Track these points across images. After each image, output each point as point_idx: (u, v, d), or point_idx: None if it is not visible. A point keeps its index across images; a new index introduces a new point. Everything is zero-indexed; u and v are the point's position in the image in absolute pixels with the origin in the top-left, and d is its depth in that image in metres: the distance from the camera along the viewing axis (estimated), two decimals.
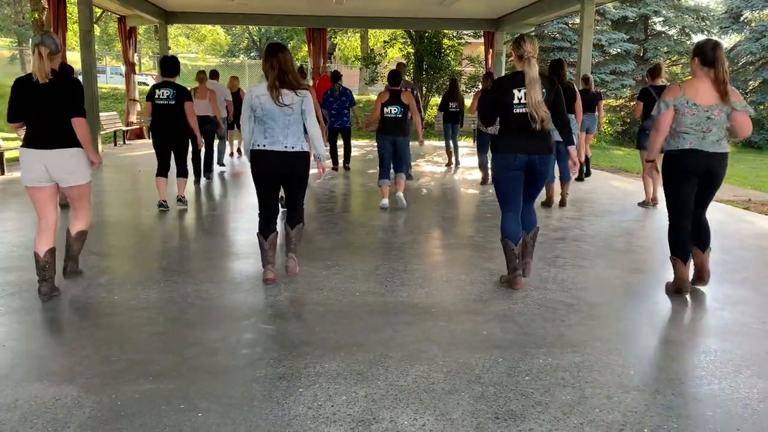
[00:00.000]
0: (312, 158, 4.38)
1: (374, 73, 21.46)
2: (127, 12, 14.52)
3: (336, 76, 10.35)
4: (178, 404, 2.66)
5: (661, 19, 23.73)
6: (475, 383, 2.87)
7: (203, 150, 8.76)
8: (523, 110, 4.02)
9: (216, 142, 10.42)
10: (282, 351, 3.20)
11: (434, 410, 2.63)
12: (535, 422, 2.55)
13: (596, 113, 9.64)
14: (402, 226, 6.24)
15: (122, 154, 12.88)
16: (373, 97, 21.48)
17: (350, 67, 32.70)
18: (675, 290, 4.18)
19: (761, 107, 21.46)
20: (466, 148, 15.02)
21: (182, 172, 7.02)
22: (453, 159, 11.56)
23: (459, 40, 21.92)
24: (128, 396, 2.72)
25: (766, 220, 6.88)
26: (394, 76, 7.12)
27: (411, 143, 7.57)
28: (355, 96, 11.20)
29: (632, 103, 22.03)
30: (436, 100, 20.60)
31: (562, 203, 7.37)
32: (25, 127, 4.02)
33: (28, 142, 3.93)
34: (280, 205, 4.58)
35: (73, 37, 21.48)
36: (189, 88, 7.22)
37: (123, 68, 17.36)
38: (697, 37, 24.34)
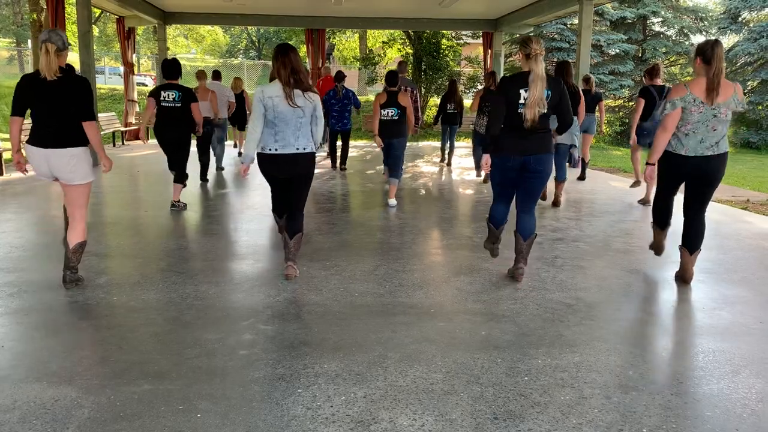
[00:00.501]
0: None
1: (373, 73, 21.47)
2: (125, 13, 14.51)
3: (339, 76, 10.32)
4: (177, 405, 2.66)
5: (659, 19, 23.76)
6: (474, 384, 2.88)
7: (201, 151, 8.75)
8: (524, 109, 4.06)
9: (216, 146, 10.39)
10: (281, 352, 3.21)
11: (433, 411, 2.63)
12: (534, 422, 2.55)
13: (596, 114, 9.65)
14: (401, 227, 6.24)
15: (121, 155, 12.87)
16: (372, 97, 21.50)
17: (349, 68, 32.72)
18: (654, 249, 4.80)
19: (759, 107, 21.48)
20: (465, 148, 15.04)
21: (179, 178, 6.96)
22: (447, 160, 11.59)
23: (458, 41, 21.94)
24: (127, 397, 2.72)
25: (764, 220, 6.89)
26: (391, 77, 7.11)
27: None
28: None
29: (631, 104, 22.06)
30: (435, 100, 20.62)
31: (556, 203, 7.39)
32: (21, 125, 4.04)
33: (34, 140, 3.95)
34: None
35: (71, 37, 21.46)
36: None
37: (121, 69, 17.35)
38: (696, 38, 24.40)
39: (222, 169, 10.52)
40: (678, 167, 4.18)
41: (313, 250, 5.25)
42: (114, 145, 14.87)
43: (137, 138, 16.17)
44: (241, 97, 11.69)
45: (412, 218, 6.70)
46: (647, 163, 4.35)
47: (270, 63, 4.89)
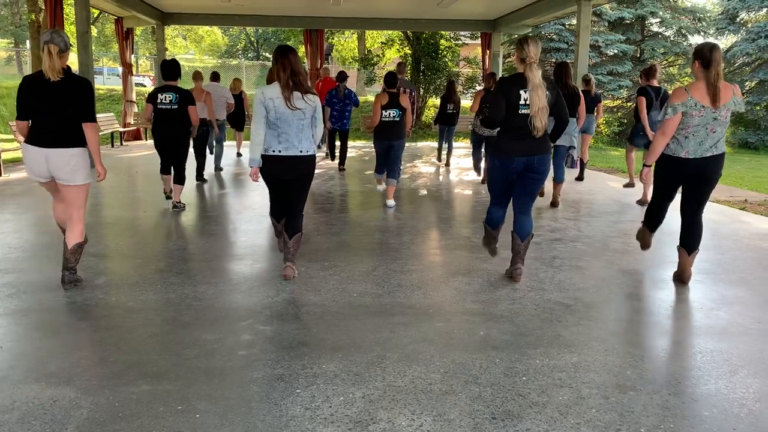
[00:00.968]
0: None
1: (372, 74, 21.47)
2: (124, 13, 14.51)
3: (342, 76, 10.32)
4: (176, 405, 2.66)
5: (657, 20, 23.79)
6: (473, 384, 2.88)
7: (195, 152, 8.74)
8: (527, 111, 4.06)
9: (214, 146, 10.38)
10: (279, 352, 3.21)
11: (431, 411, 2.64)
12: (532, 422, 2.55)
13: (594, 114, 9.67)
14: (399, 227, 6.24)
15: (119, 156, 12.87)
16: (371, 98, 21.48)
17: (348, 68, 32.71)
18: (638, 240, 4.88)
19: (757, 108, 21.51)
20: (464, 149, 15.04)
21: (180, 179, 7.01)
22: (444, 159, 11.60)
23: (456, 42, 21.94)
24: (126, 397, 2.72)
25: (762, 221, 6.90)
26: (391, 78, 7.10)
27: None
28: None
29: (629, 104, 22.08)
30: (434, 101, 20.62)
31: (554, 204, 7.42)
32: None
33: (32, 140, 3.94)
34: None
35: (70, 38, 21.44)
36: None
37: (120, 69, 17.33)
38: (694, 38, 24.43)
39: (221, 169, 10.51)
40: (679, 169, 4.17)
41: (311, 250, 5.25)
42: (112, 146, 14.86)
43: (136, 138, 16.16)
44: (239, 98, 11.68)
45: (411, 219, 6.71)
46: (644, 165, 4.36)
47: (269, 63, 4.87)
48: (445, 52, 20.48)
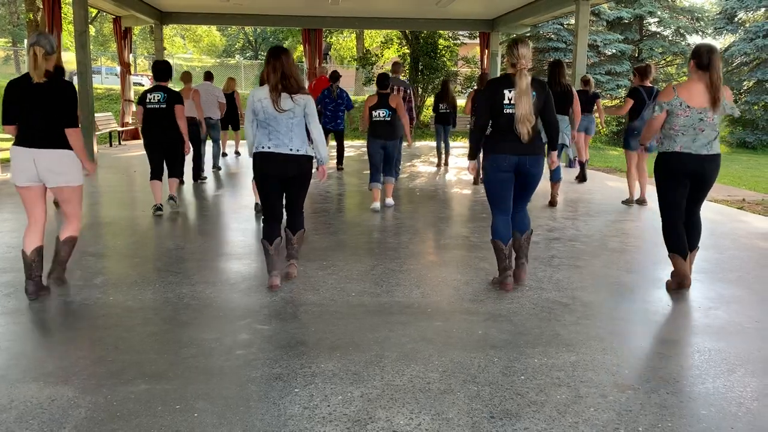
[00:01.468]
0: (314, 161, 4.35)
1: (370, 73, 21.47)
2: (122, 12, 14.49)
3: (335, 76, 10.32)
4: (174, 405, 2.66)
5: (655, 19, 23.83)
6: (471, 383, 2.88)
7: (191, 153, 8.69)
8: (512, 111, 4.03)
9: (210, 145, 10.36)
10: (278, 351, 3.21)
11: (430, 410, 2.64)
12: (530, 421, 2.56)
13: (595, 114, 9.68)
14: (397, 227, 6.25)
15: (117, 155, 12.86)
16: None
17: (346, 68, 32.69)
18: (677, 286, 4.23)
19: (755, 107, 21.54)
20: (462, 148, 15.05)
21: (175, 173, 7.03)
22: (443, 159, 11.60)
23: (454, 41, 21.95)
24: (124, 396, 2.72)
25: (760, 220, 6.91)
26: (383, 80, 7.10)
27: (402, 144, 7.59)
28: (351, 97, 11.18)
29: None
30: (432, 100, 20.62)
31: (553, 203, 7.42)
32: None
33: (20, 141, 3.93)
34: (284, 211, 4.45)
35: (68, 37, 21.41)
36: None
37: (118, 69, 17.32)
38: (692, 38, 24.46)
39: (219, 168, 10.51)
40: (677, 165, 4.12)
41: (309, 249, 5.25)
42: (111, 145, 14.85)
43: (134, 138, 16.15)
44: (231, 97, 11.65)
45: (409, 218, 6.71)
46: (640, 143, 4.41)
47: None
48: (443, 52, 20.49)
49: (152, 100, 6.70)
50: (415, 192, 8.52)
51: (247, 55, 43.22)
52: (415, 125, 18.64)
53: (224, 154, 12.50)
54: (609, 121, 20.96)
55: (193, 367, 3.02)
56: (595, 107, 10.01)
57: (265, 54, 4.27)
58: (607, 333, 3.51)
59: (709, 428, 2.53)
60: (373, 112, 6.92)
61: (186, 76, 9.20)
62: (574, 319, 3.72)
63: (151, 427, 2.48)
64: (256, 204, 6.88)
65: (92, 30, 27.96)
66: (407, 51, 20.81)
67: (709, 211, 7.23)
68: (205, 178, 9.22)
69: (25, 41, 22.29)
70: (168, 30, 32.58)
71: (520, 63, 3.98)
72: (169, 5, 14.64)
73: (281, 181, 4.22)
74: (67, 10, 17.49)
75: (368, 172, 7.30)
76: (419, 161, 12.43)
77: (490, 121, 4.16)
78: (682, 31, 23.87)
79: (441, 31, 20.15)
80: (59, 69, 4.02)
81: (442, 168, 11.34)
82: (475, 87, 9.15)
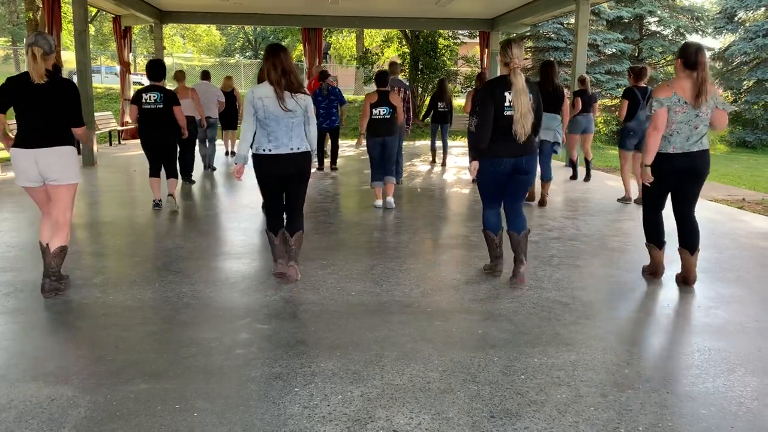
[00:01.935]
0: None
1: (370, 72, 21.47)
2: (122, 12, 14.48)
3: (323, 75, 10.32)
4: (174, 404, 2.66)
5: (655, 19, 23.80)
6: (471, 382, 2.88)
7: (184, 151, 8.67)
8: (512, 113, 4.09)
9: (205, 144, 10.32)
10: (277, 351, 3.21)
11: (430, 409, 2.63)
12: (530, 421, 2.55)
13: (592, 113, 9.68)
14: (397, 226, 6.24)
15: (117, 154, 12.86)
16: None
17: (346, 67, 32.66)
18: (651, 273, 4.55)
19: (755, 107, 21.53)
20: (461, 147, 15.04)
21: (172, 173, 7.02)
22: (438, 159, 11.61)
23: (454, 40, 21.94)
24: (124, 396, 2.72)
25: (760, 219, 6.91)
26: (382, 77, 7.11)
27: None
28: (350, 96, 11.16)
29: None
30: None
31: (542, 203, 7.43)
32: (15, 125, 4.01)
33: (21, 142, 3.92)
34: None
35: (67, 36, 21.39)
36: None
37: (118, 68, 17.31)
38: (692, 38, 24.43)
39: (214, 169, 10.47)
40: (669, 165, 4.19)
41: (309, 249, 5.24)
42: (110, 144, 14.85)
43: (134, 137, 16.13)
44: (231, 96, 11.63)
45: (409, 217, 6.71)
46: (643, 165, 4.33)
47: None
48: (443, 51, 20.49)
49: (149, 101, 6.68)
50: (415, 191, 8.51)
51: (247, 54, 43.21)
52: (413, 125, 18.66)
53: (232, 153, 12.52)
54: (609, 121, 20.98)
55: (193, 366, 3.02)
56: (592, 108, 10.00)
57: (264, 52, 4.27)
58: (607, 332, 3.51)
59: (709, 428, 2.53)
60: (374, 110, 6.91)
61: (180, 75, 9.15)
62: (574, 318, 3.72)
63: (151, 427, 2.48)
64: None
65: (92, 29, 27.94)
66: (407, 50, 20.81)
67: (709, 210, 7.23)
68: (194, 181, 9.05)
69: (25, 41, 22.29)
70: (168, 29, 32.57)
71: (513, 62, 4.05)
72: (169, 4, 14.62)
73: (283, 179, 4.29)
74: (67, 9, 17.49)
75: (368, 171, 7.29)
76: (419, 161, 12.43)
77: (494, 123, 4.16)
78: (682, 30, 23.84)
79: (441, 31, 20.15)
80: (56, 67, 4.01)
81: (441, 168, 11.33)
82: (475, 86, 9.14)
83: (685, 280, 4.38)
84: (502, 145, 4.14)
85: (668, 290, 4.30)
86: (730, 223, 6.60)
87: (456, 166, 11.45)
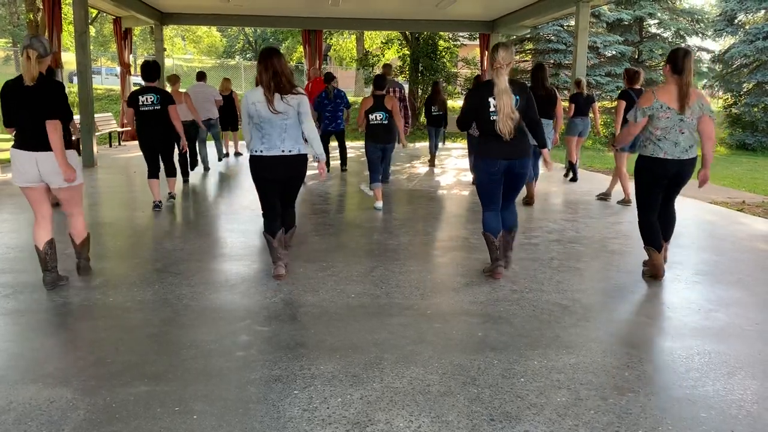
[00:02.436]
0: (311, 159, 4.40)
1: (370, 74, 21.48)
2: (122, 13, 14.49)
3: (329, 77, 10.33)
4: (173, 406, 2.65)
5: (655, 21, 23.82)
6: (471, 385, 2.88)
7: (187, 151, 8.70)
8: (497, 117, 4.19)
9: (205, 145, 10.32)
10: (277, 353, 3.20)
11: (429, 412, 2.63)
12: (530, 424, 2.55)
13: (590, 116, 9.68)
14: (397, 228, 6.24)
15: (117, 155, 12.86)
16: None
17: (346, 69, 32.68)
18: (651, 275, 4.58)
19: (755, 109, 21.53)
20: (460, 149, 15.04)
21: (171, 172, 7.17)
22: (437, 160, 11.63)
23: (455, 42, 21.95)
24: (123, 398, 2.71)
25: (760, 222, 6.90)
26: (379, 81, 7.12)
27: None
28: (351, 98, 11.19)
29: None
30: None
31: (529, 202, 7.54)
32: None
33: (20, 144, 3.93)
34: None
35: (68, 38, 21.42)
36: None
37: (118, 69, 17.32)
38: (692, 40, 24.45)
39: (208, 169, 10.42)
40: (661, 170, 4.33)
41: (309, 251, 5.24)
42: (110, 146, 14.85)
43: (134, 138, 16.13)
44: (230, 98, 11.63)
45: (409, 219, 6.71)
46: (613, 145, 4.61)
47: None
48: (443, 53, 20.50)
49: (146, 102, 6.70)
50: (415, 193, 8.51)
51: (248, 55, 43.21)
52: (413, 126, 18.66)
53: (226, 155, 12.49)
54: (609, 123, 20.98)
55: (193, 368, 3.01)
56: (591, 111, 10.00)
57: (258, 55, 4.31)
58: (607, 335, 3.51)
59: (709, 431, 2.52)
60: (370, 115, 6.93)
61: (173, 79, 9.14)
62: (574, 321, 3.72)
63: (150, 429, 2.47)
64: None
65: (92, 30, 27.98)
66: (407, 52, 20.81)
67: (708, 212, 7.23)
68: (187, 181, 9.09)
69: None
70: (168, 31, 32.58)
71: (497, 62, 4.13)
72: (170, 6, 14.63)
73: (278, 181, 4.32)
74: (68, 11, 17.48)
75: (368, 173, 7.30)
76: (419, 162, 12.42)
77: (479, 126, 4.36)
78: (682, 33, 23.86)
79: (441, 33, 20.16)
80: (50, 70, 4.02)
81: (439, 169, 11.33)
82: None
83: (655, 276, 4.53)
84: (495, 146, 4.25)
85: (668, 293, 4.30)
86: (730, 226, 6.59)
87: (456, 168, 11.45)
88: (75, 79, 11.87)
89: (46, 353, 3.19)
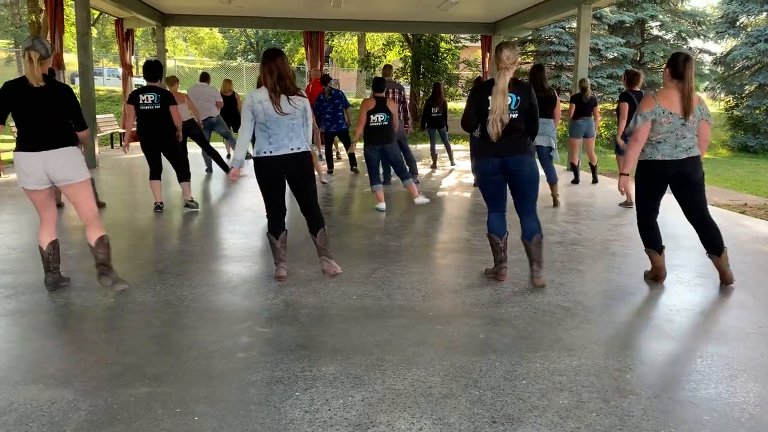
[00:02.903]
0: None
1: (372, 75, 21.50)
2: (124, 14, 14.50)
3: (325, 79, 10.35)
4: (174, 408, 2.65)
5: (657, 23, 23.80)
6: (472, 387, 2.87)
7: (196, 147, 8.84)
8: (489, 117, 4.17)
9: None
10: (278, 354, 3.20)
11: (431, 414, 2.63)
12: (532, 426, 2.54)
13: (593, 117, 9.68)
14: (399, 229, 6.23)
15: (119, 157, 12.87)
16: None
17: (347, 70, 32.69)
18: (653, 278, 4.56)
19: (757, 111, 21.51)
20: (463, 151, 15.04)
21: (184, 177, 7.09)
22: (440, 163, 11.64)
23: (456, 44, 21.96)
24: (124, 399, 2.71)
25: (762, 224, 6.89)
26: (379, 83, 7.14)
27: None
28: (353, 99, 11.19)
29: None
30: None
31: (554, 204, 7.59)
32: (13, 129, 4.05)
33: (25, 146, 3.92)
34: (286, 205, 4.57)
35: (70, 39, 21.46)
36: None
37: (120, 71, 17.34)
38: (694, 42, 24.45)
39: (210, 171, 10.45)
40: (658, 172, 4.27)
41: (310, 252, 5.24)
42: (112, 147, 14.87)
43: (136, 140, 16.13)
44: (232, 99, 11.63)
45: (410, 221, 6.70)
46: (621, 174, 4.43)
47: None
48: (445, 55, 20.52)
49: (146, 102, 6.71)
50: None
51: (249, 57, 43.25)
52: (414, 128, 18.65)
53: (228, 156, 12.51)
54: (611, 125, 20.97)
55: (194, 370, 3.01)
56: (593, 113, 10.01)
57: (261, 57, 4.32)
58: (609, 337, 3.50)
59: None
60: (372, 116, 6.95)
61: (172, 80, 9.16)
62: (576, 323, 3.71)
63: (152, 431, 2.47)
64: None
65: (94, 32, 28.02)
66: (409, 54, 20.84)
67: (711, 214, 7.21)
68: (227, 169, 9.43)
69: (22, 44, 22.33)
70: (170, 32, 32.65)
71: (502, 62, 4.11)
72: (171, 7, 14.65)
73: (283, 179, 4.34)
74: (70, 12, 17.51)
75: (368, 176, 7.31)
76: (420, 164, 12.41)
77: (482, 126, 4.30)
78: (683, 35, 23.84)
79: (443, 34, 20.17)
80: (51, 71, 4.07)
81: (444, 170, 11.33)
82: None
83: (724, 280, 4.46)
84: (488, 145, 4.22)
85: (670, 295, 4.29)
86: (732, 228, 6.58)
87: (459, 170, 11.45)
88: (77, 80, 11.87)
89: (47, 354, 3.18)
